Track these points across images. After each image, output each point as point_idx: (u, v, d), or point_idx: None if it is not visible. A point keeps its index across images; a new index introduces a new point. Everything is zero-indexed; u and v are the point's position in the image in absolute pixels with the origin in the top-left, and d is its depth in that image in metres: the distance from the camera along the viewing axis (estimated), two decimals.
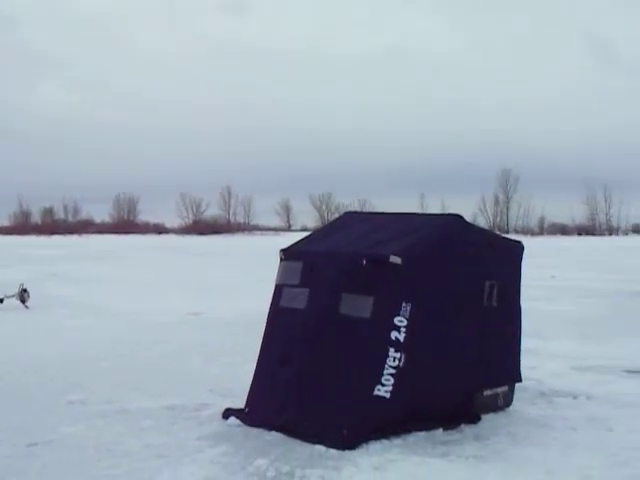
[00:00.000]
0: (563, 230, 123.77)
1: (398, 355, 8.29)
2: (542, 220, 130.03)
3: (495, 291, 9.54)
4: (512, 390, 10.02)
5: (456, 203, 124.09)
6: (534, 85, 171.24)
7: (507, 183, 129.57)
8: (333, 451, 7.88)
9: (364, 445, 8.06)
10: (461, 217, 9.51)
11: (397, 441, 8.28)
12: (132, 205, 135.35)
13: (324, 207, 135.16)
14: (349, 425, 8.08)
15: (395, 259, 8.34)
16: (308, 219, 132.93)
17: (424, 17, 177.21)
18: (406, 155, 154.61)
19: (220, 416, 9.31)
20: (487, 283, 9.46)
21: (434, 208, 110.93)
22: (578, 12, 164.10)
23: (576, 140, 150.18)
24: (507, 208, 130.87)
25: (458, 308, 9.10)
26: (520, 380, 10.15)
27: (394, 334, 8.29)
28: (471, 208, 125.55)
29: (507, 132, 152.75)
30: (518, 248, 10.17)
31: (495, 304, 9.55)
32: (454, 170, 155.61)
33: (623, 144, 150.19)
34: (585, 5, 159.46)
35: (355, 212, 11.62)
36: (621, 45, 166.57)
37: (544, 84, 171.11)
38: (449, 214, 9.94)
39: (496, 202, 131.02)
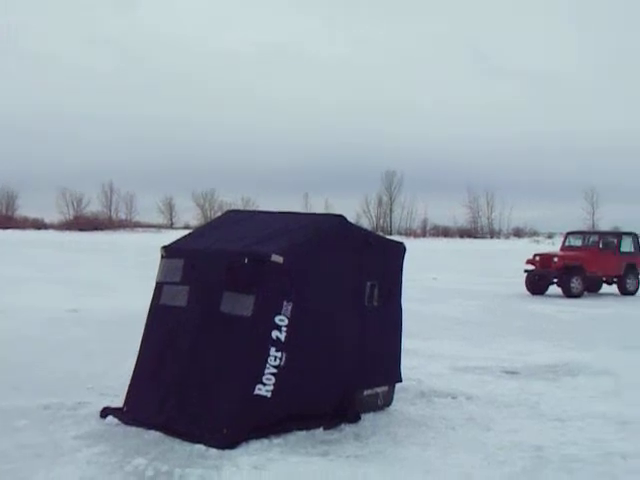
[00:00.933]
0: (445, 232, 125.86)
1: (279, 354, 8.22)
2: (425, 222, 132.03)
3: (376, 291, 9.54)
4: (392, 390, 10.05)
5: (340, 204, 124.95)
6: (419, 89, 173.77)
7: (391, 185, 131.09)
8: (213, 450, 7.76)
9: (244, 444, 7.96)
10: (343, 217, 9.49)
11: (277, 440, 8.20)
12: (11, 200, 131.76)
13: (207, 205, 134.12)
14: (229, 424, 7.98)
15: (277, 258, 8.28)
16: (191, 217, 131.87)
17: (306, 17, 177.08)
18: (290, 155, 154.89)
19: (98, 415, 9.07)
20: (368, 283, 9.46)
21: (318, 208, 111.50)
22: (462, 21, 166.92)
23: (460, 144, 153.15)
24: (390, 210, 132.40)
25: (339, 307, 9.09)
26: (400, 380, 10.18)
27: (275, 333, 8.22)
28: (355, 209, 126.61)
29: (392, 134, 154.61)
30: (400, 249, 10.19)
31: (376, 304, 9.56)
32: (338, 171, 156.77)
33: (506, 150, 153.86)
34: (469, 15, 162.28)
35: (238, 210, 11.48)
36: (504, 54, 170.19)
37: (429, 89, 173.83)
38: (331, 214, 9.93)
39: (380, 204, 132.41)
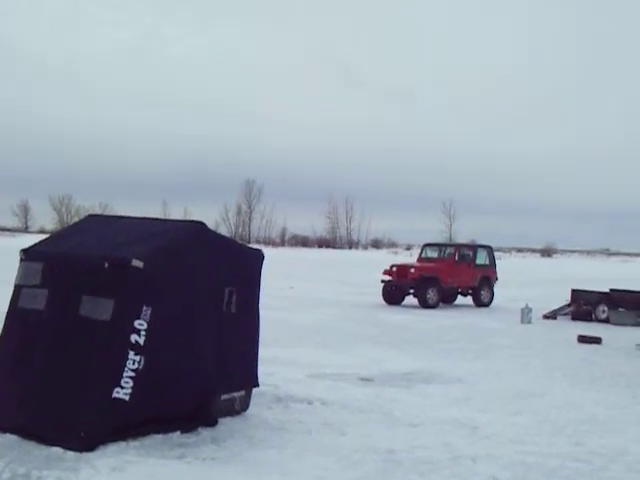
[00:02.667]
0: (304, 242, 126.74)
1: (138, 358, 8.23)
2: (284, 231, 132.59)
3: (234, 297, 9.64)
4: (249, 395, 10.14)
5: (199, 211, 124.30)
6: (281, 100, 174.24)
7: (250, 194, 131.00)
8: (70, 453, 7.72)
9: (102, 447, 7.94)
10: (203, 224, 9.55)
11: (134, 443, 8.21)
12: None
13: (64, 209, 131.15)
14: (87, 427, 7.94)
15: (137, 262, 8.29)
16: (47, 221, 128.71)
17: (169, 18, 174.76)
18: (149, 160, 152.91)
19: None
20: (227, 289, 9.55)
21: (177, 215, 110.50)
22: (323, 34, 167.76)
23: (320, 156, 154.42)
24: (249, 218, 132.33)
25: (198, 313, 9.15)
26: (257, 385, 10.29)
27: (134, 337, 8.23)
28: (214, 217, 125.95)
29: (251, 143, 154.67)
30: (258, 256, 10.32)
31: (234, 310, 9.65)
32: (197, 178, 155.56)
33: (366, 162, 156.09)
34: (329, 28, 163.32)
35: (98, 215, 11.44)
36: (367, 69, 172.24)
37: (290, 100, 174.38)
38: (191, 221, 9.97)
39: (239, 212, 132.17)
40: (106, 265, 8.35)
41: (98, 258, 8.49)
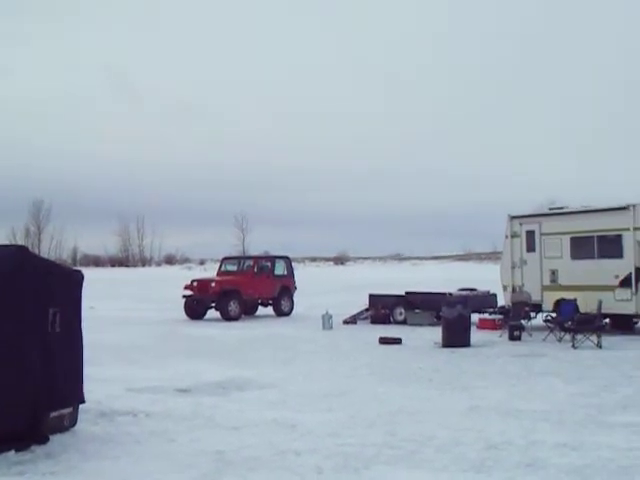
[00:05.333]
0: (96, 262, 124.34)
1: None
2: (75, 251, 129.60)
3: (58, 318, 9.86)
4: (76, 411, 10.37)
5: None
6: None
7: (39, 214, 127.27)
8: None
9: None
10: (24, 248, 9.75)
11: None
12: None
13: None
14: None
15: None
16: None
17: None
18: None
19: None
20: (51, 310, 9.76)
21: None
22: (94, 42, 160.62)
23: (110, 174, 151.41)
24: (39, 240, 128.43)
25: (24, 333, 9.30)
26: (83, 401, 10.52)
27: None
28: (1, 239, 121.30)
29: (38, 164, 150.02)
30: (78, 277, 10.58)
31: (59, 330, 9.88)
32: None
33: (155, 178, 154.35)
34: (102, 33, 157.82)
35: None
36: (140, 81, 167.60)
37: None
38: (12, 245, 10.10)
39: (27, 234, 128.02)
40: None
41: None
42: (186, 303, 31.12)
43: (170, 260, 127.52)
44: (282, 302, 32.78)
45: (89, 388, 12.59)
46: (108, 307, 35.51)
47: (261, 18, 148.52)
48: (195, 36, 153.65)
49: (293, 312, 32.90)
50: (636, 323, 23.59)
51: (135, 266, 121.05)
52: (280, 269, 33.54)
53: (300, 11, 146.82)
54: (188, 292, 31.44)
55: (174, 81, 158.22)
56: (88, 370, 14.61)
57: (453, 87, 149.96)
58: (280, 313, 32.49)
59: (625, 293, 22.17)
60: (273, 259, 34.54)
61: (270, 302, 32.73)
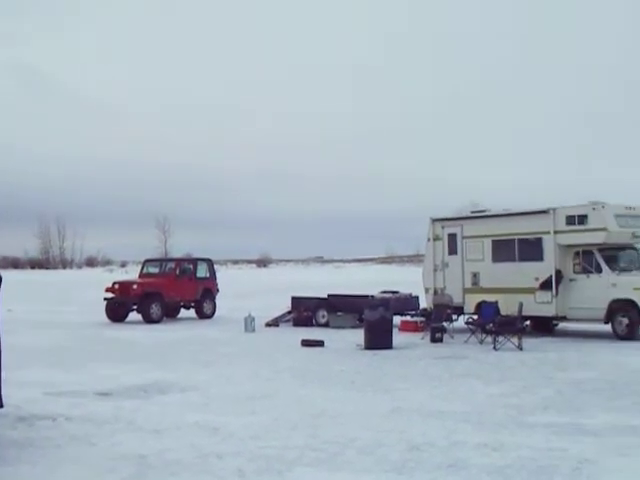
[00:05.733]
0: (15, 264, 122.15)
1: None
2: None
3: None
4: None
5: None
6: None
7: None
8: None
9: None
10: None
11: None
12: None
13: None
14: None
15: None
16: None
17: None
18: None
19: None
20: None
21: None
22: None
23: (30, 175, 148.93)
24: None
25: None
26: (2, 406, 10.30)
27: None
28: None
29: None
30: None
31: None
32: None
33: (76, 179, 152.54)
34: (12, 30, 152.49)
35: None
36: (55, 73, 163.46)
37: None
38: None
39: None
40: None
41: None
42: (107, 305, 30.81)
43: (91, 262, 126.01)
44: (204, 304, 32.65)
45: (7, 392, 12.33)
46: (27, 310, 34.99)
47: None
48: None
49: (215, 314, 32.81)
50: (556, 325, 24.02)
51: (56, 268, 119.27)
52: (202, 271, 33.42)
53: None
54: (109, 294, 31.11)
55: (95, 81, 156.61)
56: (6, 374, 14.37)
57: (390, 90, 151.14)
58: (202, 316, 32.36)
59: (545, 295, 22.54)
60: (195, 261, 34.43)
61: (192, 304, 32.57)
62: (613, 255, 22.47)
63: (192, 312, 32.64)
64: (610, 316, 21.43)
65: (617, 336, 21.19)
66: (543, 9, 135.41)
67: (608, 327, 21.64)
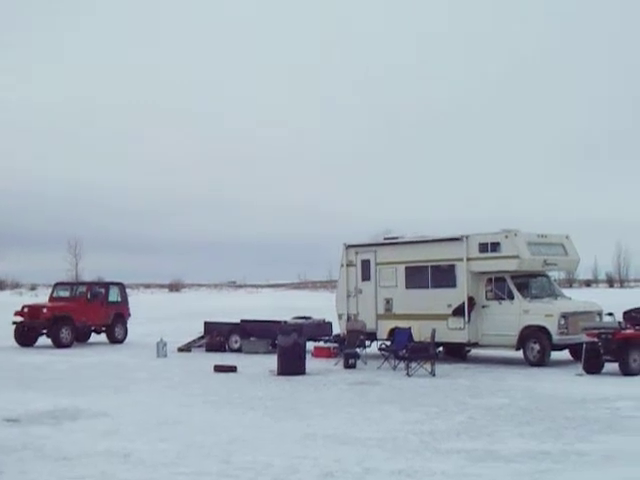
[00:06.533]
0: None
1: None
2: None
3: None
4: None
5: None
6: None
7: None
8: None
9: None
10: None
11: None
12: None
13: None
14: None
15: None
16: None
17: None
18: None
19: None
20: None
21: None
22: None
23: None
24: None
25: None
26: None
27: None
28: None
29: None
30: None
31: None
32: None
33: None
34: None
35: None
36: None
37: None
38: None
39: None
40: None
41: None
42: (16, 330, 30.15)
43: (0, 285, 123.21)
44: (116, 329, 32.11)
45: None
46: None
47: None
48: None
49: (127, 339, 32.26)
50: (469, 351, 24.22)
51: None
52: (114, 295, 32.92)
53: None
54: (18, 318, 30.42)
55: None
56: None
57: (294, 122, 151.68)
58: (114, 340, 31.80)
59: (458, 322, 22.74)
60: (107, 285, 33.91)
61: (103, 329, 31.99)
62: (525, 282, 22.79)
63: (103, 337, 32.05)
64: (522, 342, 21.71)
65: (529, 362, 21.44)
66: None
67: (520, 353, 21.90)
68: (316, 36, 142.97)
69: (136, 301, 42.53)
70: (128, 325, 32.85)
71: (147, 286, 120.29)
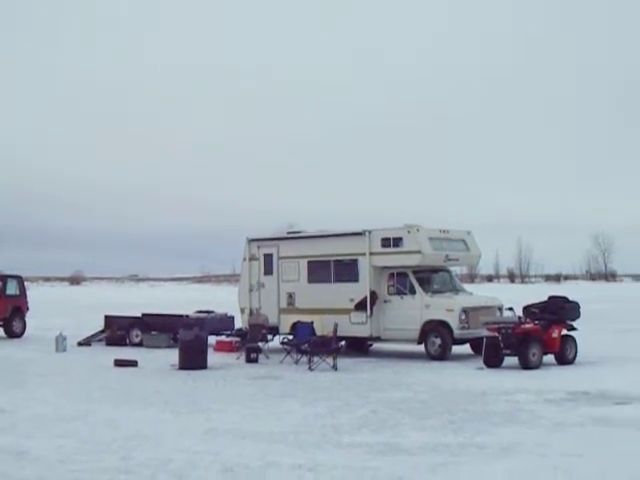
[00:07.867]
0: None
1: None
2: None
3: None
4: None
5: None
6: None
7: None
8: None
9: None
10: None
11: None
12: None
13: None
14: None
15: None
16: None
17: None
18: None
19: None
20: None
21: None
22: None
23: None
24: None
25: None
26: None
27: None
28: None
29: None
30: None
31: None
32: None
33: None
34: None
35: None
36: None
37: None
38: None
39: None
40: None
41: None
42: None
43: None
44: (14, 323, 31.41)
45: None
46: None
47: None
48: None
49: (25, 333, 31.60)
50: (371, 345, 24.36)
51: None
52: (12, 289, 32.17)
53: None
54: None
55: None
56: None
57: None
58: (11, 334, 31.12)
59: (360, 316, 22.84)
60: (4, 278, 33.01)
61: (1, 323, 31.25)
62: (427, 277, 23.01)
63: (0, 331, 31.34)
64: (423, 337, 21.91)
65: (430, 356, 21.65)
66: None
67: (421, 347, 22.10)
68: None
69: (35, 294, 41.77)
70: (26, 319, 32.11)
71: (47, 279, 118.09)
